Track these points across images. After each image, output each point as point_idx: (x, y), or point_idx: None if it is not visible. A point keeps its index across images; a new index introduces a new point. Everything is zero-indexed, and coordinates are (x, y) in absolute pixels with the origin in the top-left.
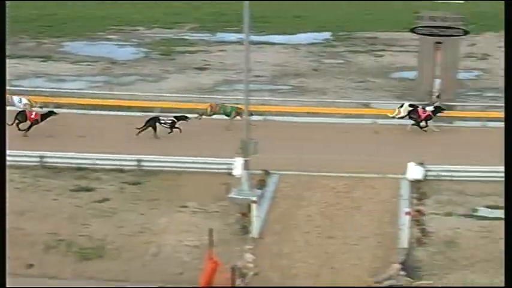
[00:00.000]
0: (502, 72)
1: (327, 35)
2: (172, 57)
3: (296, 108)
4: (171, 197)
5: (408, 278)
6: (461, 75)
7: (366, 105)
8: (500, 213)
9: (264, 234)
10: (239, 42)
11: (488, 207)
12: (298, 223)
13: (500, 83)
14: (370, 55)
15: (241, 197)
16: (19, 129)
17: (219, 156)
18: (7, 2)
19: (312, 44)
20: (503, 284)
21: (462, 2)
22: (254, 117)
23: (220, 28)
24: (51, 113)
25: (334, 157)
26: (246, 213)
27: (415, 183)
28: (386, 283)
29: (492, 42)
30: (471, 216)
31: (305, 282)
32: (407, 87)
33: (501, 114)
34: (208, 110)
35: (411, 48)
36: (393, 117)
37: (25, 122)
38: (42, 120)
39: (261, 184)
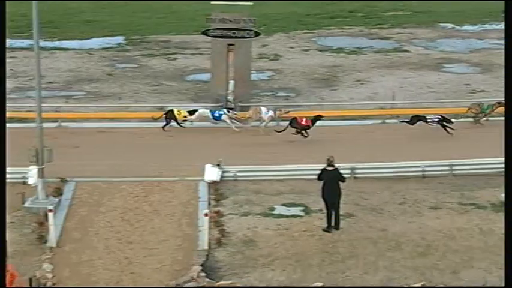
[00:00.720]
0: (293, 72)
1: (119, 39)
2: None
3: (91, 114)
4: None
5: (209, 279)
6: (254, 75)
7: (162, 109)
8: (297, 210)
9: (62, 242)
10: (29, 49)
11: (284, 205)
12: (98, 230)
13: (292, 83)
14: (164, 58)
15: (37, 206)
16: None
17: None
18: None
19: (105, 48)
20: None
21: (251, 3)
22: (48, 124)
23: (8, 34)
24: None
25: (132, 162)
26: (42, 223)
27: (212, 185)
28: (187, 285)
29: (282, 42)
30: (268, 215)
31: None
32: (202, 89)
33: (325, 112)
34: (470, 112)
35: (204, 51)
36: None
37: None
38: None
39: (57, 192)
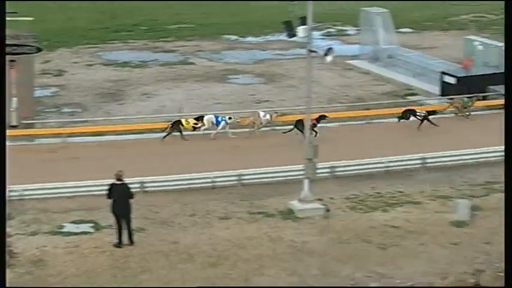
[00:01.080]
0: (79, 88)
1: None
2: None
3: None
4: None
5: None
6: (38, 92)
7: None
8: (86, 227)
9: None
10: None
11: (73, 222)
12: None
13: (77, 98)
14: None
15: None
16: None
17: None
18: None
19: None
20: None
21: (31, 18)
22: None
23: None
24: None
25: None
26: None
27: None
28: None
29: (66, 58)
30: (57, 233)
31: None
32: None
33: (113, 127)
34: (453, 107)
35: None
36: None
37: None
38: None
39: None
